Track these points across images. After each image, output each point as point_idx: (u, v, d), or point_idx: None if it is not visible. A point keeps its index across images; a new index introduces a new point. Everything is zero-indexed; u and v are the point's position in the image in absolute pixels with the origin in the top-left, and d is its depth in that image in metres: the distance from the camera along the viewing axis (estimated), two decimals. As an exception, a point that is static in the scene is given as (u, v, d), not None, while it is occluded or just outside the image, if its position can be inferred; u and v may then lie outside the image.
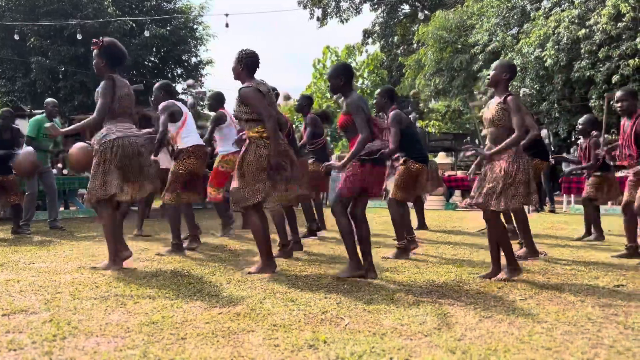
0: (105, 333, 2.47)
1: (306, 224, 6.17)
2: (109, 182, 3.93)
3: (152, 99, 5.29)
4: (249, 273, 3.91)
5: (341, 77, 3.86)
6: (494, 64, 3.83)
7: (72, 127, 4.17)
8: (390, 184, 5.02)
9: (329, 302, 3.10)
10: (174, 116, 4.89)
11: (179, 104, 5.03)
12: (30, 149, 6.27)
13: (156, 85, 5.16)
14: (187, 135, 4.94)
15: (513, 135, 3.59)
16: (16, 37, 13.93)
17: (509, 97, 3.63)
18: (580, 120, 6.22)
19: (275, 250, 4.38)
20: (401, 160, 5.00)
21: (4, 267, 4.16)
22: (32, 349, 2.27)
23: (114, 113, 4.01)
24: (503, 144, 3.61)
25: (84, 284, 3.53)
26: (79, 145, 4.54)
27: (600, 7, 13.02)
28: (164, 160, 6.32)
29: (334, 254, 4.99)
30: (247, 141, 3.91)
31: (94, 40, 4.10)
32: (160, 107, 4.89)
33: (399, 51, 26.68)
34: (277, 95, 5.49)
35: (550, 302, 3.13)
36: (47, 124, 4.19)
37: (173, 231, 4.91)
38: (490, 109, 3.75)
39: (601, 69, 12.78)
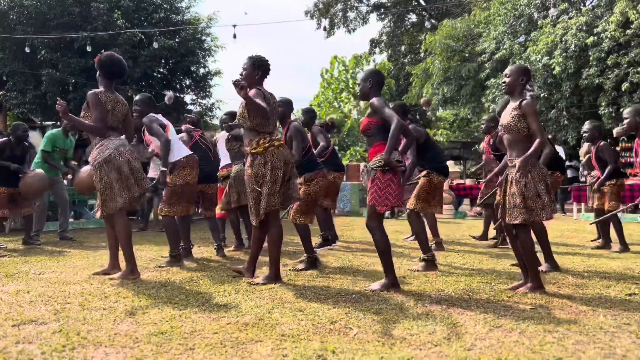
0: (114, 343, 2.48)
1: (320, 234, 6.17)
2: (115, 196, 4.06)
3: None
4: (256, 284, 3.90)
5: (369, 80, 3.82)
6: (509, 70, 3.73)
7: (77, 120, 4.14)
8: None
9: (338, 312, 3.09)
10: None
11: (160, 116, 5.03)
12: (41, 172, 6.32)
13: (139, 98, 5.13)
14: (177, 148, 4.96)
15: (536, 142, 3.48)
16: (27, 50, 14.11)
17: (524, 102, 3.57)
18: (585, 128, 6.11)
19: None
20: (424, 172, 4.99)
21: (15, 278, 4.19)
22: (42, 359, 2.28)
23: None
24: (530, 151, 3.48)
25: (93, 295, 3.54)
26: (85, 169, 4.65)
27: (608, 14, 12.99)
28: (154, 170, 6.42)
29: (342, 264, 4.97)
30: (253, 153, 3.91)
31: (99, 54, 4.21)
32: (146, 120, 4.87)
33: (406, 60, 26.73)
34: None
35: (562, 312, 3.09)
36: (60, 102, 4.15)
37: (170, 243, 4.92)
38: (505, 115, 3.69)
39: (610, 76, 12.73)
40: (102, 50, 4.26)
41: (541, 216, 3.56)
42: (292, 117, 4.99)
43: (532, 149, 3.50)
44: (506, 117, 3.66)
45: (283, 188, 3.96)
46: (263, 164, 3.86)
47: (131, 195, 4.12)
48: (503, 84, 3.74)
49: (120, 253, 4.22)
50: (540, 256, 4.41)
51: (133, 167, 4.15)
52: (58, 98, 4.24)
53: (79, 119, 4.16)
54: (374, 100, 3.70)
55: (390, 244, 3.74)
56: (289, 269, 4.56)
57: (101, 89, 4.16)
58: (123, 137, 4.27)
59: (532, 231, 4.01)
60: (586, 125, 6.09)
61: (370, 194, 3.71)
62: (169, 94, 5.51)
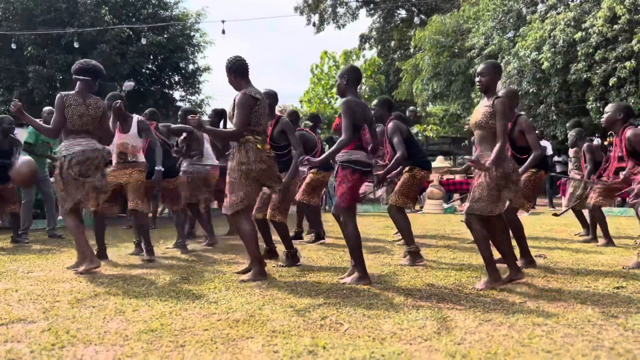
0: (103, 341, 2.46)
1: (312, 230, 6.18)
2: (69, 195, 4.18)
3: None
4: (242, 281, 3.89)
5: (345, 77, 3.84)
6: (484, 69, 3.67)
7: (31, 120, 4.22)
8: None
9: (328, 307, 3.09)
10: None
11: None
12: (29, 158, 6.26)
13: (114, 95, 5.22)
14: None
15: (498, 145, 3.48)
16: (13, 46, 13.96)
17: (497, 100, 3.56)
18: (569, 134, 6.56)
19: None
20: (407, 168, 5.02)
21: (3, 276, 4.15)
22: (31, 358, 2.26)
23: (67, 130, 4.20)
24: (493, 155, 3.48)
25: (83, 292, 3.52)
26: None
27: (595, 10, 13.08)
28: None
29: (333, 260, 4.98)
30: (242, 143, 3.89)
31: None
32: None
33: (396, 56, 26.76)
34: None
35: (550, 305, 3.12)
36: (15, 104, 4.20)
37: (145, 237, 5.11)
38: (477, 111, 3.69)
39: (598, 72, 12.83)
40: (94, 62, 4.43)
41: (494, 210, 3.58)
42: (277, 109, 4.97)
43: (493, 153, 3.49)
44: (478, 114, 3.66)
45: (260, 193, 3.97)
46: (235, 159, 3.87)
47: (73, 199, 4.17)
48: (478, 84, 3.71)
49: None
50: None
51: (83, 172, 4.16)
52: (14, 99, 4.36)
53: (33, 119, 4.25)
54: (343, 105, 3.72)
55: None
56: (272, 266, 4.55)
57: (73, 91, 4.22)
58: (89, 139, 4.24)
59: (507, 225, 4.11)
60: (571, 132, 6.57)
61: (339, 192, 3.79)
62: (128, 83, 5.70)
